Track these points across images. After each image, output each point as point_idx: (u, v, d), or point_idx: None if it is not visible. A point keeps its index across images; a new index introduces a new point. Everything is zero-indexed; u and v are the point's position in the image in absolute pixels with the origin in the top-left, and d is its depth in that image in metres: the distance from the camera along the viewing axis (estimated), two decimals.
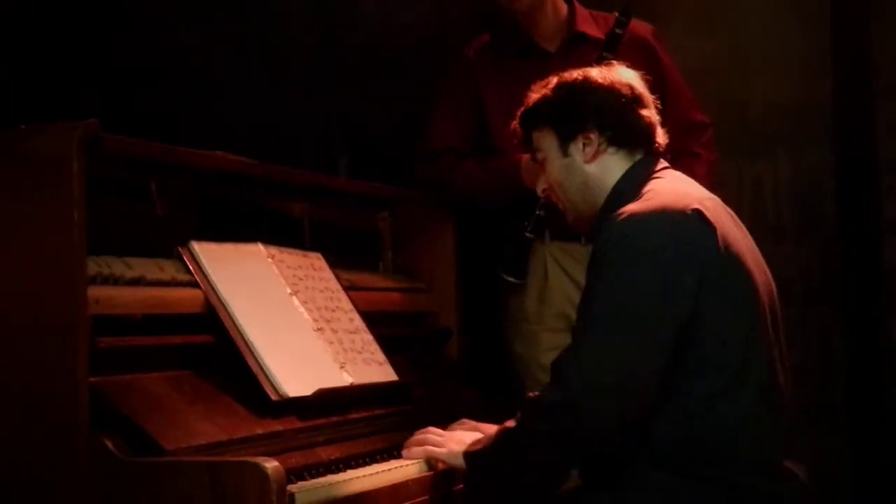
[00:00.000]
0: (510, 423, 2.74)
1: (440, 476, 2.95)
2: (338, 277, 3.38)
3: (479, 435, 2.90)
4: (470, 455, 2.82)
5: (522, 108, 2.98)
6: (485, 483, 2.83)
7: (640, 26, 3.83)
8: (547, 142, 2.92)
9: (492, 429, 2.88)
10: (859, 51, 4.38)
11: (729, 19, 4.45)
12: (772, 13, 4.42)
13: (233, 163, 3.17)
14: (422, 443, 2.95)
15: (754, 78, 4.45)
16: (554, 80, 2.93)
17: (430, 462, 2.94)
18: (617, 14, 3.75)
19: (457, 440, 2.91)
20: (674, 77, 3.83)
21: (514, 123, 3.00)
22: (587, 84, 2.88)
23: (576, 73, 2.92)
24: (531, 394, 2.76)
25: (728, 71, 4.46)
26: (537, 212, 3.71)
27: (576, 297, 3.68)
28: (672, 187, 2.82)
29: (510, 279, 3.79)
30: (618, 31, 3.73)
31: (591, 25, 3.82)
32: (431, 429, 2.99)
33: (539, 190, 3.09)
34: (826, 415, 4.28)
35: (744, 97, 4.45)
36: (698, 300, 2.64)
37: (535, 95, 2.95)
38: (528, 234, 3.75)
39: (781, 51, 4.41)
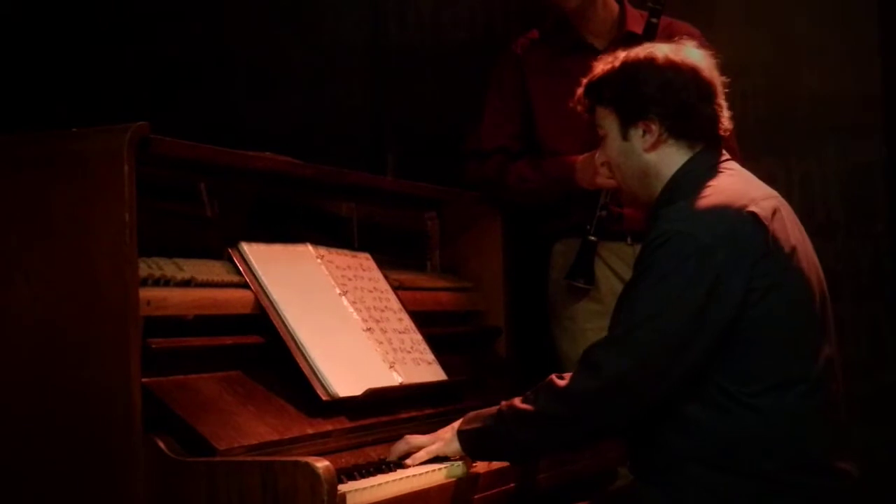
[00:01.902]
0: (522, 405, 2.76)
1: (489, 475, 2.95)
2: (386, 277, 3.38)
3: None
4: (466, 433, 2.83)
5: (588, 79, 2.95)
6: (481, 456, 2.89)
7: (690, 28, 3.81)
8: (609, 121, 2.89)
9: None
10: None
11: (776, 11, 4.42)
12: (819, 4, 4.38)
13: (281, 163, 3.18)
14: (409, 446, 2.89)
15: (802, 71, 4.41)
16: (621, 57, 2.89)
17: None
18: (650, 3, 3.74)
19: (444, 430, 2.89)
20: None
21: (580, 91, 2.96)
22: (651, 66, 2.83)
23: (642, 53, 2.87)
24: (556, 380, 2.75)
25: (775, 64, 4.42)
26: (598, 212, 3.70)
27: None
28: (732, 185, 2.79)
29: (579, 285, 3.78)
30: (653, 19, 3.73)
31: (641, 25, 3.80)
32: (408, 436, 2.93)
33: (598, 162, 3.06)
34: (877, 410, 4.25)
35: (791, 91, 4.41)
36: (747, 303, 2.63)
37: (600, 68, 2.92)
38: (591, 238, 3.74)
39: (829, 43, 4.37)
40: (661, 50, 2.86)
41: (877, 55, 4.34)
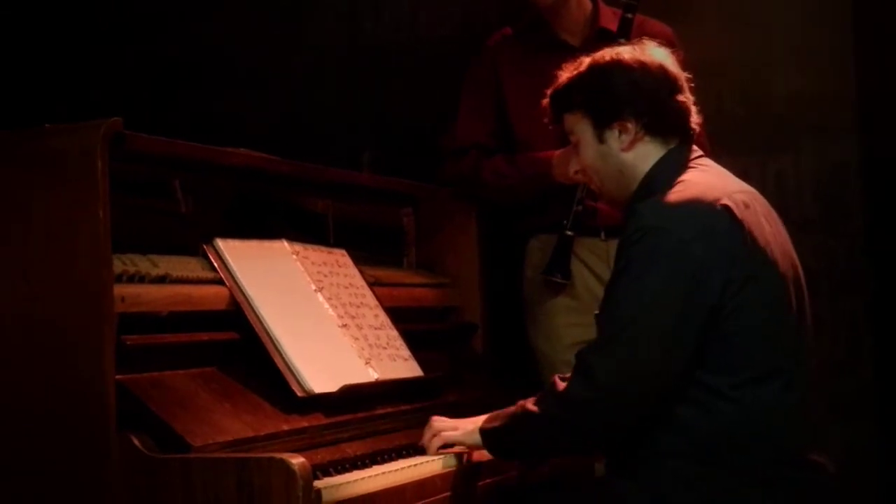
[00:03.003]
0: (531, 406, 2.77)
1: (465, 471, 2.96)
2: (362, 273, 3.38)
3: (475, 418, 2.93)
4: (487, 432, 2.87)
5: (553, 88, 2.96)
6: (501, 454, 2.92)
7: (663, 27, 3.83)
8: (581, 126, 2.90)
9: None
10: (882, 39, 4.36)
11: (751, 10, 4.43)
12: (794, 4, 4.40)
13: (256, 159, 3.18)
14: (434, 432, 2.96)
15: (776, 69, 4.43)
16: (586, 62, 2.91)
17: (456, 457, 2.95)
18: (625, 0, 3.76)
19: (469, 421, 2.93)
20: None
21: (545, 102, 2.98)
22: (620, 67, 2.85)
23: (608, 55, 2.88)
24: (558, 382, 2.76)
25: (750, 63, 4.44)
26: (575, 207, 3.71)
27: (598, 291, 3.69)
28: (704, 179, 2.80)
29: (556, 280, 3.78)
30: (628, 15, 3.74)
31: (614, 22, 3.81)
32: (435, 417, 3.01)
33: (571, 171, 3.08)
34: (855, 405, 4.26)
35: (766, 89, 4.43)
36: (724, 296, 2.64)
37: (566, 75, 2.93)
38: (568, 233, 3.75)
39: (803, 42, 4.39)
40: (625, 51, 2.89)
41: (851, 54, 4.36)
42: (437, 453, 2.93)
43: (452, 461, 2.94)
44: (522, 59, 3.85)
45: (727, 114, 4.38)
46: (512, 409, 2.84)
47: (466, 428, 2.92)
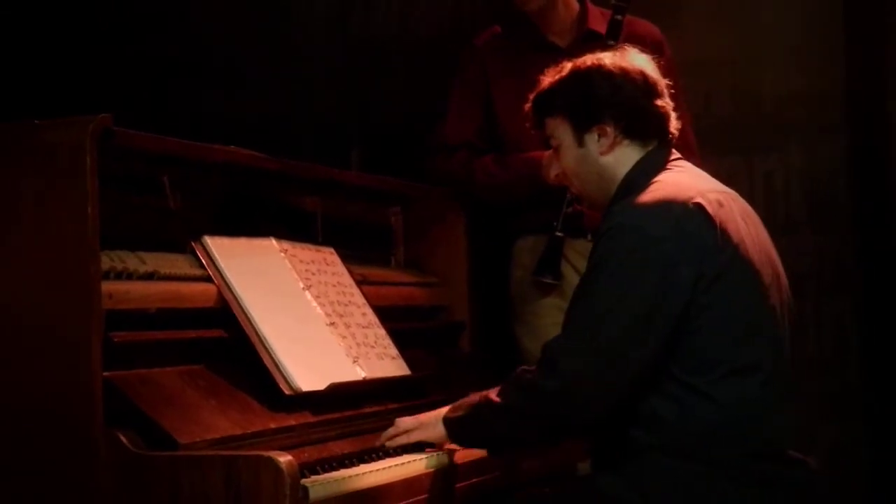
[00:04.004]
0: (494, 397, 2.79)
1: (452, 470, 2.96)
2: (350, 272, 3.38)
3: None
4: (450, 421, 2.88)
5: (535, 93, 2.98)
6: (465, 444, 2.95)
7: (651, 27, 3.83)
8: (561, 130, 2.93)
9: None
10: (871, 39, 4.36)
11: (740, 10, 4.44)
12: (784, 3, 4.40)
13: (246, 157, 3.17)
14: (397, 430, 2.96)
15: (766, 69, 4.43)
16: (568, 67, 2.94)
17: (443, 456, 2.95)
18: (614, 1, 3.75)
19: (429, 415, 2.94)
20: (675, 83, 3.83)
21: (528, 106, 3.00)
22: (601, 72, 2.88)
23: (589, 61, 2.91)
24: (525, 372, 2.78)
25: (739, 62, 4.44)
26: (565, 209, 3.71)
27: None
28: (678, 179, 2.83)
29: (547, 280, 3.79)
30: (617, 17, 3.73)
31: (602, 23, 3.82)
32: (398, 419, 2.99)
33: (552, 174, 3.10)
34: (842, 405, 4.27)
35: (755, 89, 4.43)
36: (696, 292, 2.67)
37: (548, 80, 2.96)
38: (558, 234, 3.75)
39: (793, 41, 4.40)
40: (607, 57, 2.92)
41: (841, 54, 4.37)
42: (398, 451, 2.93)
43: (440, 460, 2.94)
44: (511, 60, 3.85)
45: (716, 113, 4.39)
46: (475, 398, 2.85)
47: (428, 421, 2.92)
